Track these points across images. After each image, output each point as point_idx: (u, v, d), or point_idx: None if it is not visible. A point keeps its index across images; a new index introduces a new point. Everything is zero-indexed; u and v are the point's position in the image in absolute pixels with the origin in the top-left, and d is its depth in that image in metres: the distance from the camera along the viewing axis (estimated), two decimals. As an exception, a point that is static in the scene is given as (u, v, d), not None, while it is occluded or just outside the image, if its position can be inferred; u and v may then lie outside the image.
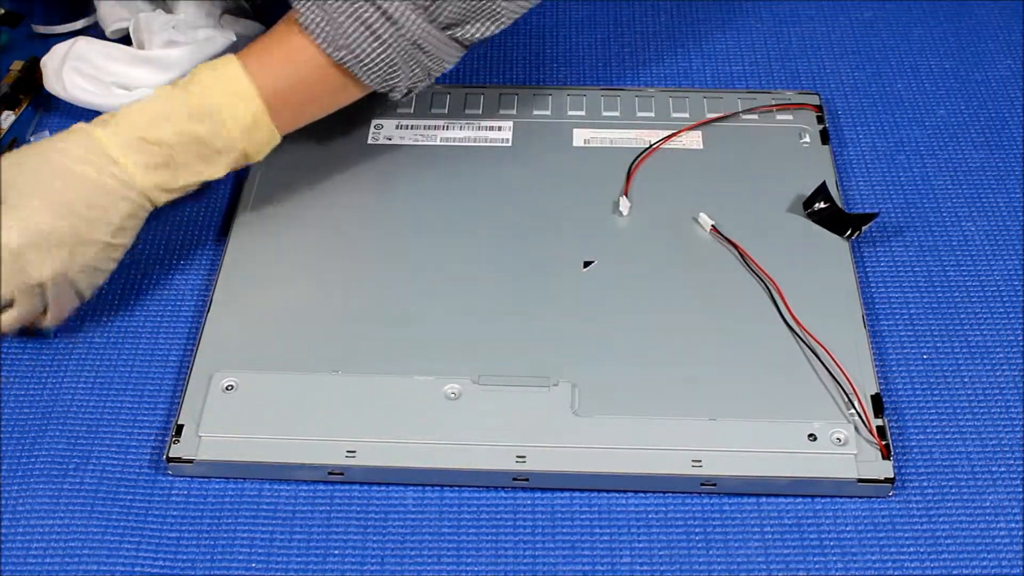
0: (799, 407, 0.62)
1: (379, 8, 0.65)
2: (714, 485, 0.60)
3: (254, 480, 0.62)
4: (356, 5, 0.65)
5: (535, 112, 0.80)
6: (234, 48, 0.83)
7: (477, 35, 0.68)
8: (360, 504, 0.61)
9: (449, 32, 0.68)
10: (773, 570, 0.58)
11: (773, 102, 0.80)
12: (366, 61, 0.66)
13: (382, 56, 0.66)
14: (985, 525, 0.60)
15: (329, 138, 0.78)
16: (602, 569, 0.58)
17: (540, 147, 0.78)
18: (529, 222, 0.73)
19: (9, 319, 0.64)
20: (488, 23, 0.68)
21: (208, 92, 0.65)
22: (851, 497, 0.61)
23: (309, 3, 0.65)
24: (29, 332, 0.68)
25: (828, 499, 0.61)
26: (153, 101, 0.65)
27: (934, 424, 0.64)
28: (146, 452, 0.63)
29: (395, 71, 0.67)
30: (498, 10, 0.68)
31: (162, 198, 0.65)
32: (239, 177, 0.77)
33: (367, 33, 0.65)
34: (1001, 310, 0.69)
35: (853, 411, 0.62)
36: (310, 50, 0.66)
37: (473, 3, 0.66)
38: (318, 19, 0.65)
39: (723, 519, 0.60)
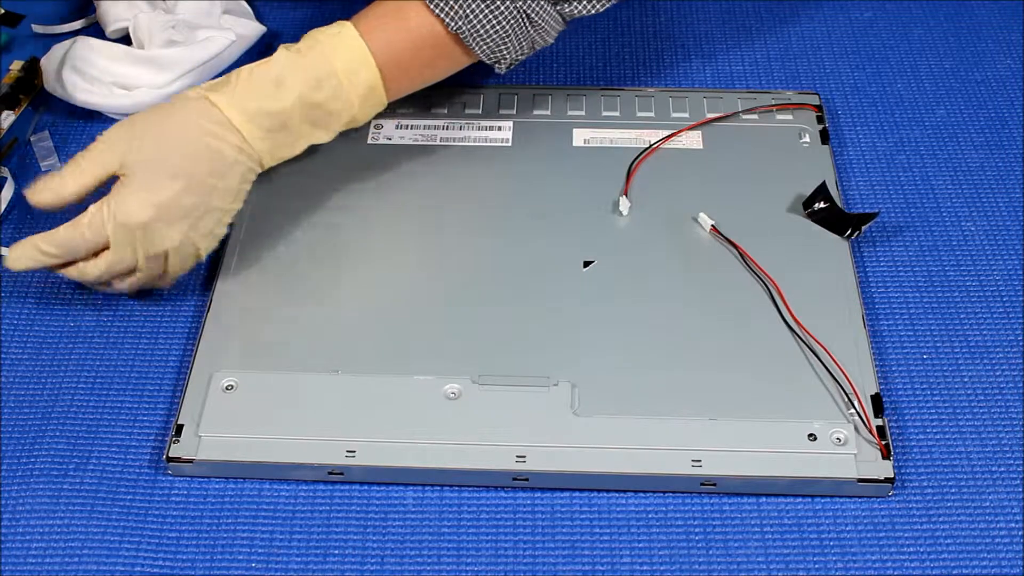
0: (799, 407, 0.62)
1: None
2: (714, 485, 0.60)
3: (254, 480, 0.62)
4: None
5: (535, 112, 0.80)
6: (234, 48, 0.83)
7: (582, 12, 0.70)
8: (360, 504, 0.61)
9: (558, 7, 0.69)
10: (773, 570, 0.58)
11: (773, 102, 0.80)
12: (480, 32, 0.67)
13: (496, 27, 0.68)
14: (985, 525, 0.60)
15: (329, 138, 0.78)
16: (602, 569, 0.58)
17: (540, 147, 0.78)
18: (529, 222, 0.73)
19: (132, 282, 0.67)
20: (594, 1, 0.70)
21: (327, 58, 0.66)
22: (851, 497, 0.61)
23: None
24: (145, 292, 0.70)
25: (828, 499, 0.61)
26: (271, 66, 0.66)
27: (934, 424, 0.64)
28: (146, 452, 0.63)
29: (506, 43, 0.69)
30: None
31: (273, 163, 0.67)
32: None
33: (483, 4, 0.66)
34: (1001, 310, 0.69)
35: (853, 411, 0.62)
36: (426, 19, 0.67)
37: None
38: None
39: (723, 519, 0.60)
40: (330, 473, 0.61)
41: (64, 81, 0.80)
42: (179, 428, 0.62)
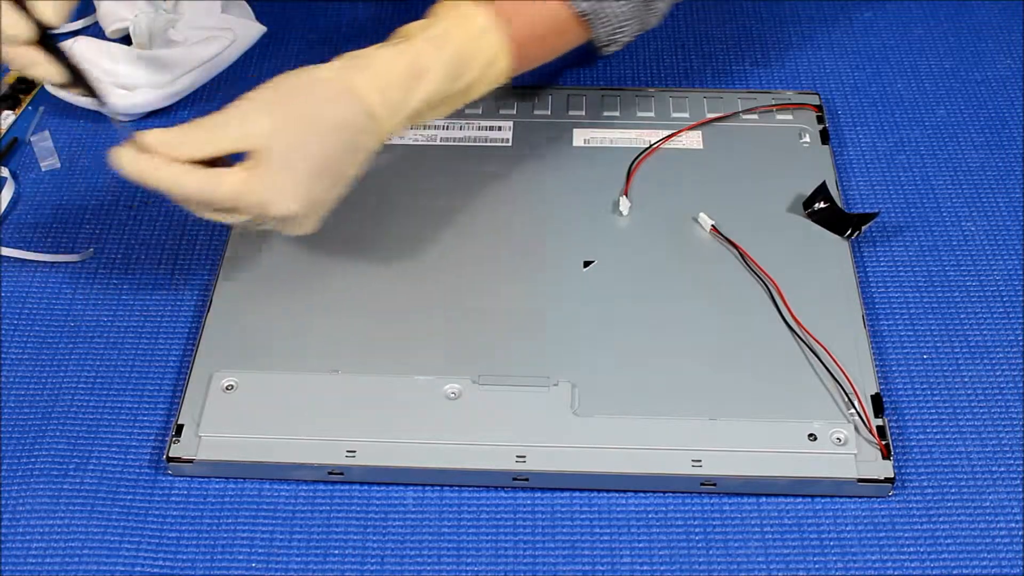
0: (799, 407, 0.62)
1: None
2: (714, 485, 0.60)
3: (254, 480, 0.62)
4: None
5: (535, 112, 0.80)
6: (234, 48, 0.83)
7: None
8: (360, 504, 0.61)
9: None
10: (773, 570, 0.58)
11: (773, 102, 0.80)
12: (603, 15, 0.68)
13: (619, 10, 0.68)
14: (985, 525, 0.60)
15: (329, 138, 0.78)
16: (602, 569, 0.58)
17: (540, 147, 0.78)
18: (529, 222, 0.73)
19: (234, 223, 0.64)
20: None
21: (467, 52, 0.65)
22: (851, 497, 0.61)
23: None
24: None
25: (828, 499, 0.61)
26: (406, 52, 0.64)
27: (934, 424, 0.64)
28: (146, 452, 0.63)
29: (625, 25, 0.69)
30: None
31: (390, 126, 0.65)
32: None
33: None
34: (1001, 310, 0.69)
35: (853, 411, 0.62)
36: (553, 3, 0.67)
37: None
38: None
39: (723, 519, 0.60)
40: (330, 473, 0.61)
41: (64, 81, 0.80)
42: (179, 428, 0.62)
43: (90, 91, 0.62)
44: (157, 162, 0.59)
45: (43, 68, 0.61)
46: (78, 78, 0.61)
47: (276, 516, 0.61)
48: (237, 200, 0.60)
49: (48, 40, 0.60)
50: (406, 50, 0.64)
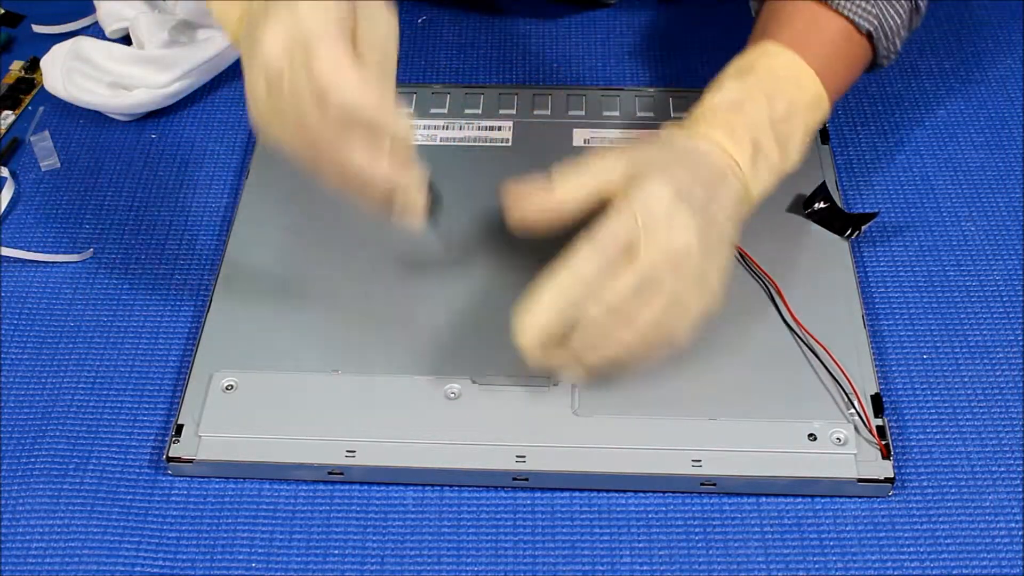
0: (799, 407, 0.62)
1: None
2: (714, 485, 0.60)
3: (254, 480, 0.62)
4: None
5: (535, 112, 0.80)
6: (234, 48, 0.83)
7: None
8: (360, 504, 0.61)
9: None
10: (773, 570, 0.58)
11: (773, 102, 0.80)
12: (886, 29, 0.68)
13: (898, 21, 0.68)
14: (985, 525, 0.60)
15: (329, 138, 0.78)
16: (602, 569, 0.58)
17: (540, 147, 0.78)
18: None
19: None
20: None
21: (775, 78, 0.65)
22: (851, 497, 0.61)
23: None
24: None
25: (828, 499, 0.61)
26: (727, 93, 0.64)
27: (934, 424, 0.64)
28: (146, 452, 0.63)
29: (901, 35, 0.69)
30: None
31: (756, 195, 0.64)
32: (239, 177, 0.78)
33: (887, 3, 0.67)
34: (1001, 310, 0.69)
35: (853, 411, 0.62)
36: (839, 24, 0.67)
37: None
38: None
39: (723, 519, 0.60)
40: (330, 473, 0.61)
41: (64, 81, 0.80)
42: (179, 428, 0.62)
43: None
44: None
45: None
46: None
47: (276, 516, 0.61)
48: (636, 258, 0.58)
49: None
50: (721, 89, 0.65)
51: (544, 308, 0.58)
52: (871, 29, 0.67)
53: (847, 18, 0.67)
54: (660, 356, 0.61)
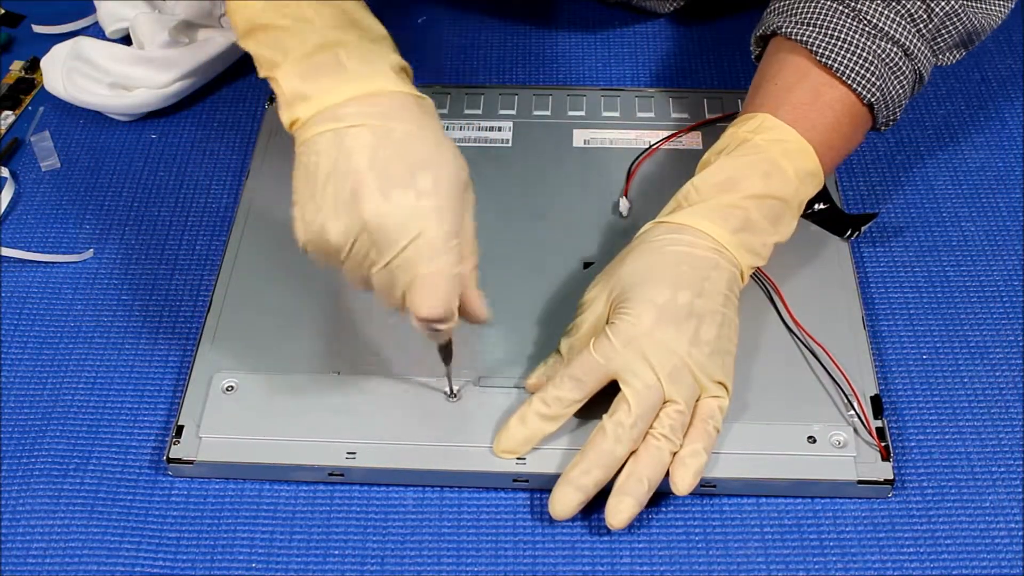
0: (799, 409, 0.62)
1: (900, 46, 0.66)
2: (714, 487, 0.60)
3: (254, 481, 0.62)
4: (881, 45, 0.66)
5: (535, 112, 0.80)
6: (234, 48, 0.83)
7: (953, 60, 0.70)
8: (360, 505, 0.61)
9: (936, 60, 0.69)
10: (773, 570, 0.58)
11: (773, 102, 0.80)
12: (888, 99, 0.67)
13: (900, 92, 0.67)
14: (985, 525, 0.60)
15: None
16: (602, 569, 0.58)
17: (540, 147, 0.78)
18: (529, 222, 0.72)
19: None
20: (965, 50, 0.70)
21: (767, 152, 0.64)
22: (851, 498, 0.61)
23: (838, 50, 0.65)
24: None
25: (828, 500, 0.61)
26: (717, 170, 0.64)
27: (934, 425, 0.64)
28: (146, 453, 0.63)
29: (903, 103, 0.68)
30: (980, 35, 0.69)
31: (748, 260, 0.63)
32: (239, 177, 0.78)
33: (891, 71, 0.66)
34: (1001, 310, 0.69)
35: (853, 413, 0.62)
36: (839, 93, 0.66)
37: (964, 32, 0.67)
38: (851, 63, 0.65)
39: (723, 520, 0.60)
40: (330, 474, 0.61)
41: (64, 81, 0.80)
42: (179, 429, 0.62)
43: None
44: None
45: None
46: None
47: (276, 517, 0.61)
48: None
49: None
50: (709, 169, 0.64)
51: (517, 442, 0.61)
52: (873, 101, 0.66)
53: (850, 88, 0.66)
54: (715, 435, 0.60)
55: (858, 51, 0.65)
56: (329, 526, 0.60)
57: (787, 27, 0.67)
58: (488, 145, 0.78)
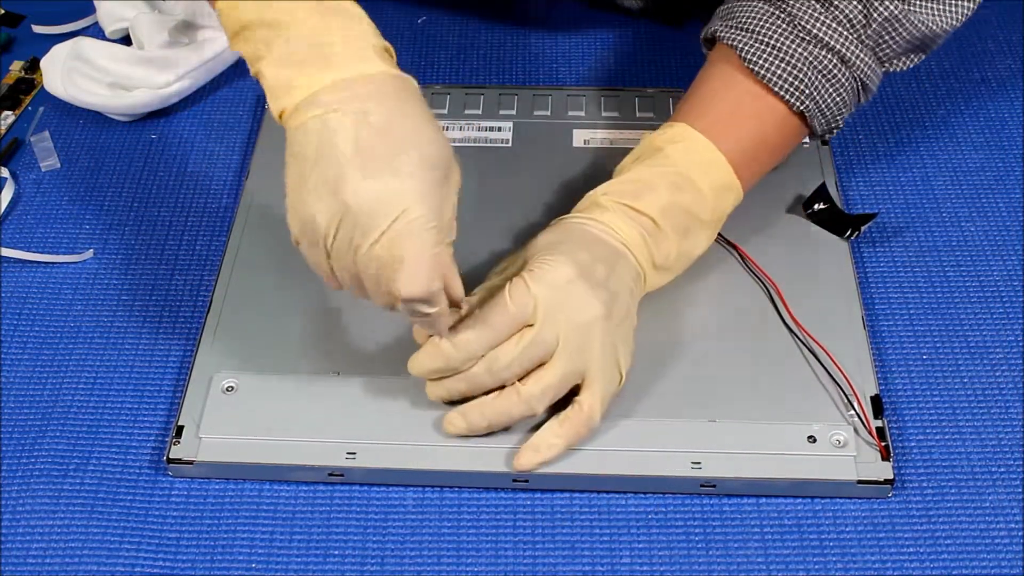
0: (799, 409, 0.62)
1: (836, 53, 0.65)
2: (714, 487, 0.60)
3: (254, 481, 0.62)
4: (814, 52, 0.65)
5: (535, 112, 0.80)
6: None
7: (907, 66, 0.68)
8: (360, 505, 0.61)
9: (884, 67, 0.68)
10: (773, 570, 0.58)
11: (773, 102, 0.80)
12: (823, 107, 0.66)
13: (838, 100, 0.66)
14: (985, 525, 0.60)
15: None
16: (602, 569, 0.58)
17: (540, 147, 0.78)
18: (529, 222, 0.72)
19: None
20: (920, 55, 0.69)
21: (679, 165, 0.64)
22: (851, 498, 0.61)
23: (767, 57, 0.65)
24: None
25: (828, 500, 0.61)
26: (632, 176, 0.64)
27: (934, 424, 0.64)
28: (146, 453, 0.63)
29: (843, 112, 0.67)
30: (934, 40, 0.67)
31: (656, 278, 0.64)
32: (239, 177, 0.78)
33: (825, 79, 0.65)
34: (1001, 310, 0.69)
35: (853, 412, 0.62)
36: (767, 103, 0.65)
37: (912, 37, 0.66)
38: (780, 71, 0.65)
39: (723, 520, 0.60)
40: (330, 475, 0.61)
41: (64, 81, 0.80)
42: (179, 429, 0.62)
43: None
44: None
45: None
46: None
47: (276, 517, 0.61)
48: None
49: None
50: (624, 178, 0.65)
51: (424, 371, 0.61)
52: (803, 109, 0.65)
53: (779, 96, 0.65)
54: (575, 432, 0.60)
55: (789, 59, 0.65)
56: (329, 526, 0.60)
57: (723, 31, 0.67)
58: (488, 145, 0.78)
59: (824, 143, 0.73)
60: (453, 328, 0.60)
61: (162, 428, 0.64)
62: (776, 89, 0.65)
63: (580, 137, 0.78)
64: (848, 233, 0.71)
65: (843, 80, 0.66)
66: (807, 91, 0.65)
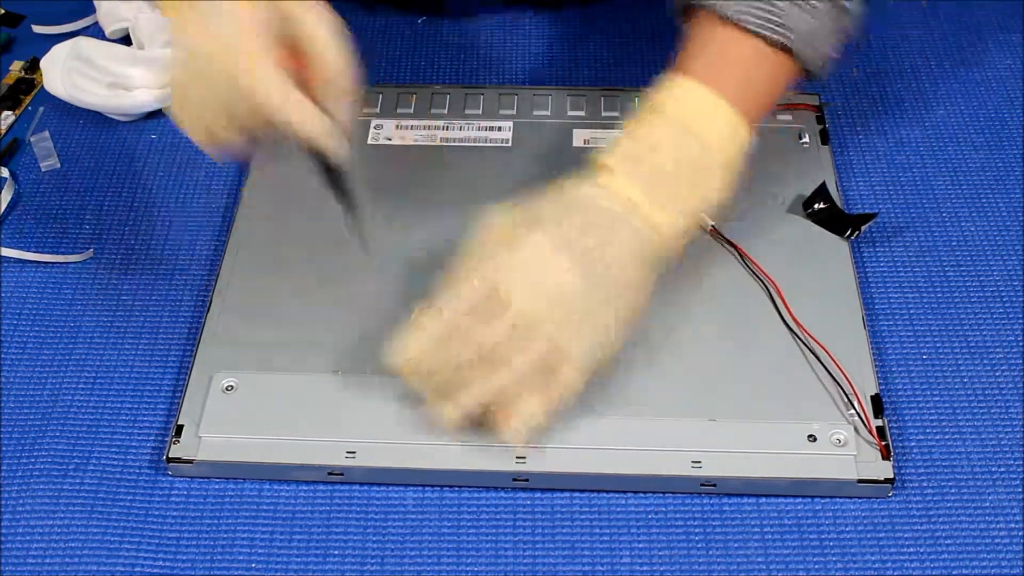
0: (799, 408, 0.62)
1: None
2: (714, 486, 0.60)
3: (254, 480, 0.62)
4: None
5: (535, 112, 0.80)
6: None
7: None
8: (360, 504, 0.61)
9: None
10: (773, 570, 0.58)
11: (773, 102, 0.80)
12: (804, 36, 0.65)
13: (816, 26, 0.65)
14: (985, 525, 0.60)
15: (329, 138, 0.78)
16: (602, 569, 0.58)
17: (540, 147, 0.78)
18: (529, 222, 0.72)
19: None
20: None
21: (681, 117, 0.63)
22: (851, 497, 0.61)
23: (737, 1, 0.64)
24: None
25: (828, 499, 0.61)
26: (641, 148, 0.63)
27: (934, 424, 0.64)
28: (146, 452, 0.63)
29: (829, 43, 0.66)
30: None
31: (672, 234, 0.63)
32: (239, 177, 0.78)
33: (797, 8, 0.64)
34: (1001, 310, 0.69)
35: (853, 412, 0.62)
36: (748, 42, 0.65)
37: None
38: (751, 10, 0.64)
39: (723, 519, 0.60)
40: (330, 474, 0.61)
41: (64, 81, 0.80)
42: (179, 429, 0.62)
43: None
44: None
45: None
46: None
47: (276, 516, 0.61)
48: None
49: None
50: (629, 135, 0.64)
51: (408, 351, 0.60)
52: (784, 41, 0.65)
53: (756, 34, 0.65)
54: (557, 399, 0.60)
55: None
56: (329, 526, 0.60)
57: None
58: (488, 145, 0.78)
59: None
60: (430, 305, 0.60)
61: (162, 427, 0.64)
62: (752, 28, 0.64)
63: (580, 137, 0.78)
64: (848, 233, 0.71)
65: (820, 8, 0.65)
66: (780, 21, 0.65)
